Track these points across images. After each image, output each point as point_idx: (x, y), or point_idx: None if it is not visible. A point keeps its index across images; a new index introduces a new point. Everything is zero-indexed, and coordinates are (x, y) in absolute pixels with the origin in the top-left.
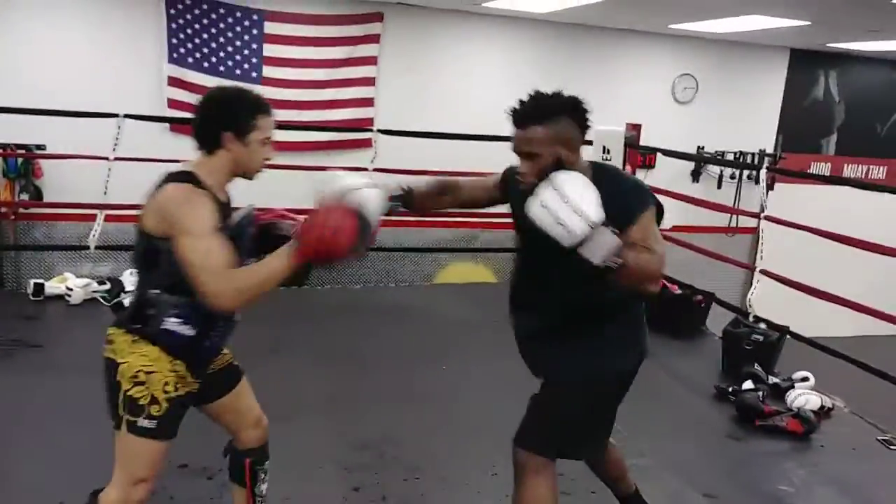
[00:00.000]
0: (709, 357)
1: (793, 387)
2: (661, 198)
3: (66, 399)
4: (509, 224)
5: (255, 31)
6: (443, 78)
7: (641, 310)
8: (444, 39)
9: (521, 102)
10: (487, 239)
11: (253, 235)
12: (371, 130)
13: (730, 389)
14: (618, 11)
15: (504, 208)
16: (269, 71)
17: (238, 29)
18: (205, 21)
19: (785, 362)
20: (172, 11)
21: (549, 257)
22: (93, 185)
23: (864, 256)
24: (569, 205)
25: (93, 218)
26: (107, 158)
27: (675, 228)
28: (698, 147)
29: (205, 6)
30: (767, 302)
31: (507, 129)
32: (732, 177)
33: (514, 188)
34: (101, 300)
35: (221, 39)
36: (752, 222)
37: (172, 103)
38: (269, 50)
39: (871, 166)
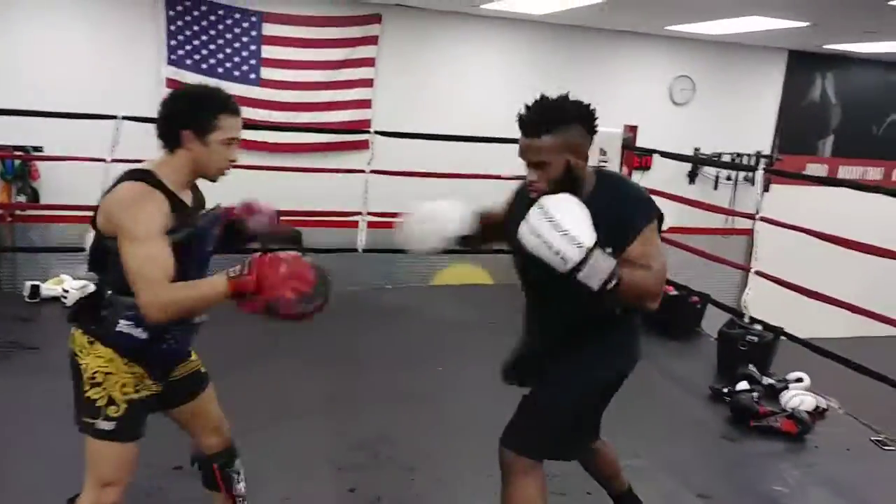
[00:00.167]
0: (704, 358)
1: (787, 387)
2: (657, 199)
3: (62, 401)
4: None
5: (253, 33)
6: (440, 79)
7: (638, 318)
8: (442, 41)
9: (529, 109)
10: None
11: (218, 234)
12: (369, 132)
13: (725, 390)
14: (615, 13)
15: None
16: (267, 72)
17: (237, 30)
18: (204, 23)
19: (780, 363)
20: (171, 13)
21: (544, 278)
22: (90, 187)
23: (859, 258)
24: (561, 232)
25: (89, 220)
26: (104, 160)
27: (672, 230)
28: (695, 149)
29: (204, 8)
30: (763, 303)
31: (505, 130)
32: (729, 178)
33: (512, 210)
34: None
35: (220, 41)
36: (747, 224)
37: None
38: (268, 51)
39: (867, 168)
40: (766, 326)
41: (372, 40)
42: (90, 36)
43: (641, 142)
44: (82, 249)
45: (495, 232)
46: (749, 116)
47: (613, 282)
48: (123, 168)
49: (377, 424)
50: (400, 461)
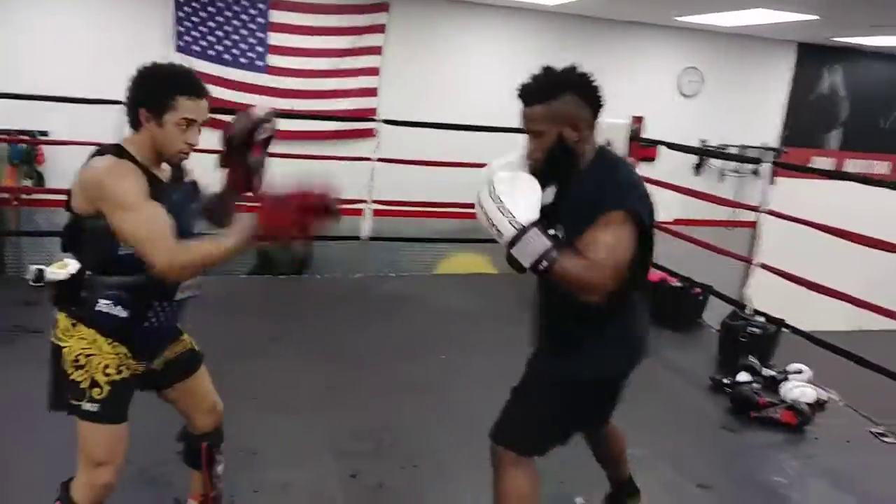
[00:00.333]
0: (705, 349)
1: (787, 379)
2: (662, 191)
3: None
4: None
5: (261, 20)
6: (447, 68)
7: (634, 313)
8: (449, 30)
9: (529, 79)
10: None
11: (198, 210)
12: (375, 120)
13: (725, 381)
14: (623, 3)
15: None
16: (274, 60)
17: (244, 17)
18: (211, 9)
19: (781, 355)
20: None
21: None
22: None
23: (862, 251)
24: (500, 207)
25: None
26: None
27: (677, 221)
28: (701, 140)
29: None
30: (766, 295)
31: (510, 120)
32: (736, 171)
33: None
34: None
35: (228, 28)
36: (752, 216)
37: None
38: (275, 39)
39: (874, 161)
40: (769, 318)
41: (379, 28)
42: (98, 22)
43: (649, 133)
44: None
45: None
46: (757, 109)
47: (544, 263)
48: None
49: (379, 413)
50: (402, 449)
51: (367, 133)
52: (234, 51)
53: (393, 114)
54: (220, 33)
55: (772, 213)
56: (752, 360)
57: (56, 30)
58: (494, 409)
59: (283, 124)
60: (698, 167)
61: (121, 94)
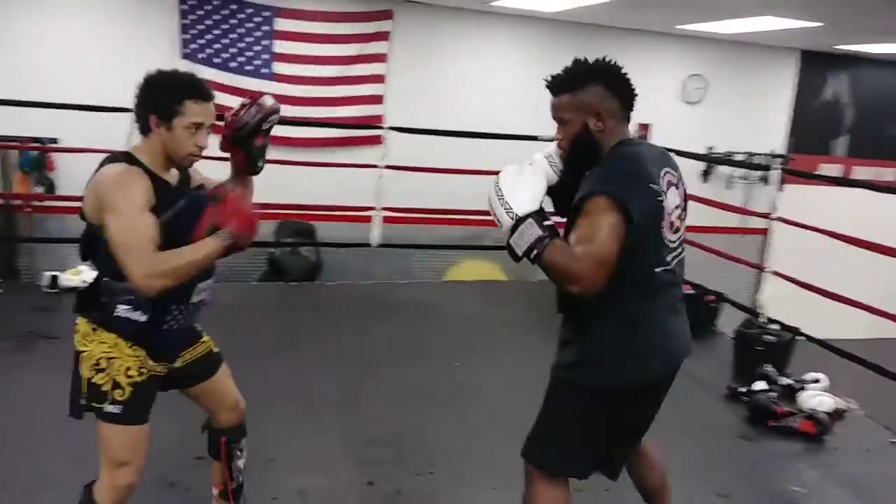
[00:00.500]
0: (720, 357)
1: (804, 388)
2: None
3: None
4: None
5: (266, 28)
6: (451, 76)
7: (655, 315)
8: (453, 37)
9: (559, 71)
10: (497, 237)
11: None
12: (382, 128)
13: (742, 390)
14: (627, 11)
15: None
16: (280, 67)
17: (249, 25)
18: (217, 17)
19: (796, 364)
20: (185, 7)
21: None
22: None
23: (875, 259)
24: (500, 198)
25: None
26: None
27: (687, 229)
28: (708, 148)
29: (217, 2)
30: (779, 303)
31: (515, 127)
32: (744, 178)
33: None
34: None
35: (233, 35)
36: (761, 223)
37: None
38: (280, 46)
39: (881, 168)
40: (784, 326)
41: (383, 36)
42: (105, 30)
43: (655, 140)
44: None
45: None
46: (762, 116)
47: (534, 252)
48: None
49: (394, 420)
50: (418, 456)
51: (375, 140)
52: (240, 58)
53: (398, 121)
54: (225, 41)
55: (783, 220)
56: (769, 368)
57: (64, 38)
58: (509, 415)
59: (291, 131)
60: (706, 174)
61: (128, 101)
